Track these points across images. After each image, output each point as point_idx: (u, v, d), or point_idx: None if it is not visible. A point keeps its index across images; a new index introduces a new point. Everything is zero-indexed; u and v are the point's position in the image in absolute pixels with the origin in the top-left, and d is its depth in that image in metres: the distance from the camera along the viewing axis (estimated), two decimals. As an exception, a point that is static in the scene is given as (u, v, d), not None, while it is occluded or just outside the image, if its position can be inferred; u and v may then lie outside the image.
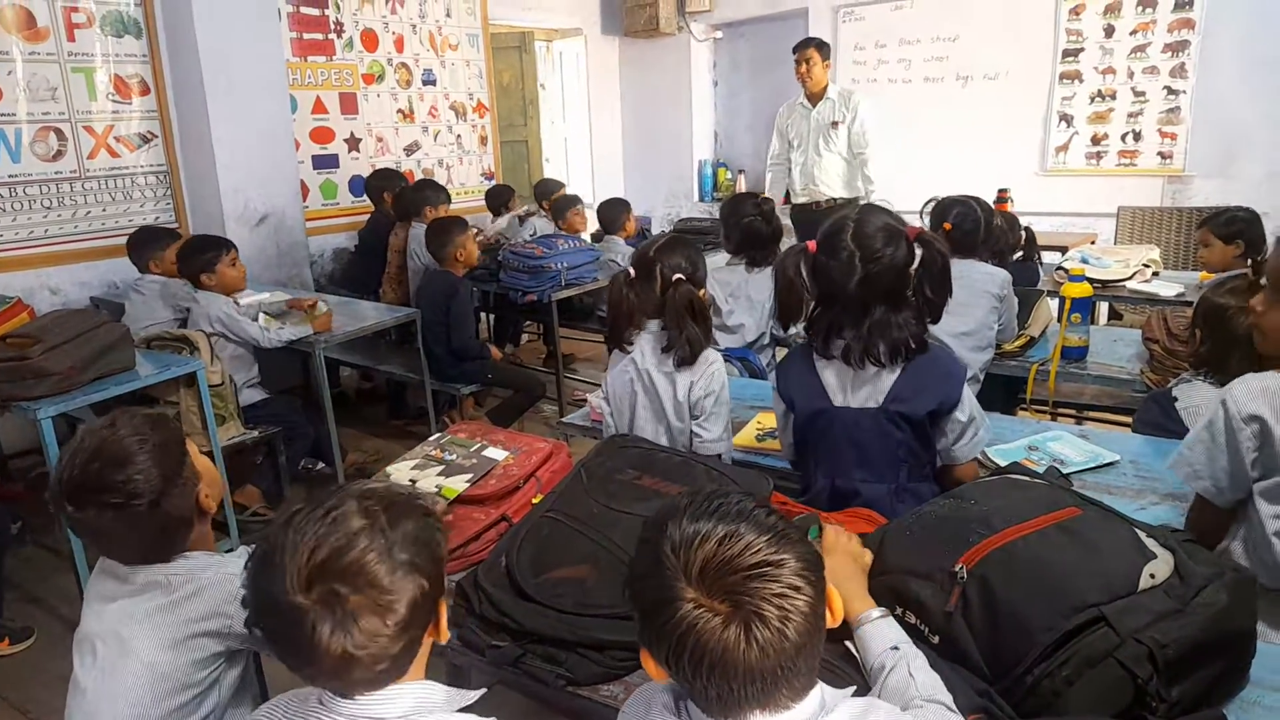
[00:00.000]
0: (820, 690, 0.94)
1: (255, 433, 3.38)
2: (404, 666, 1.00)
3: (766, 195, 4.82)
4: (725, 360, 2.29)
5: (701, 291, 2.16)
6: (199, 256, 3.51)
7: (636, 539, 0.97)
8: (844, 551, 1.37)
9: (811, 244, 1.78)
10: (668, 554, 0.90)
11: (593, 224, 5.67)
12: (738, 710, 0.90)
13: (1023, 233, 3.64)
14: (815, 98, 5.08)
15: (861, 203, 4.60)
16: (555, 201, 5.49)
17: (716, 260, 3.34)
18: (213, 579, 1.42)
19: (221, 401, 3.24)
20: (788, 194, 5.36)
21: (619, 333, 2.18)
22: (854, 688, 0.99)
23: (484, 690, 1.08)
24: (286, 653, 0.97)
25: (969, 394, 1.79)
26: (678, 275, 2.09)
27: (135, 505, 1.34)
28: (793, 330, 1.90)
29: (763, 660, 0.85)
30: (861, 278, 1.70)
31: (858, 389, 1.78)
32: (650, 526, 0.95)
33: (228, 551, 1.63)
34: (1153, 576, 1.15)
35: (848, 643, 1.25)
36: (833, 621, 0.96)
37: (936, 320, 1.79)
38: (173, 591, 1.40)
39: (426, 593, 1.00)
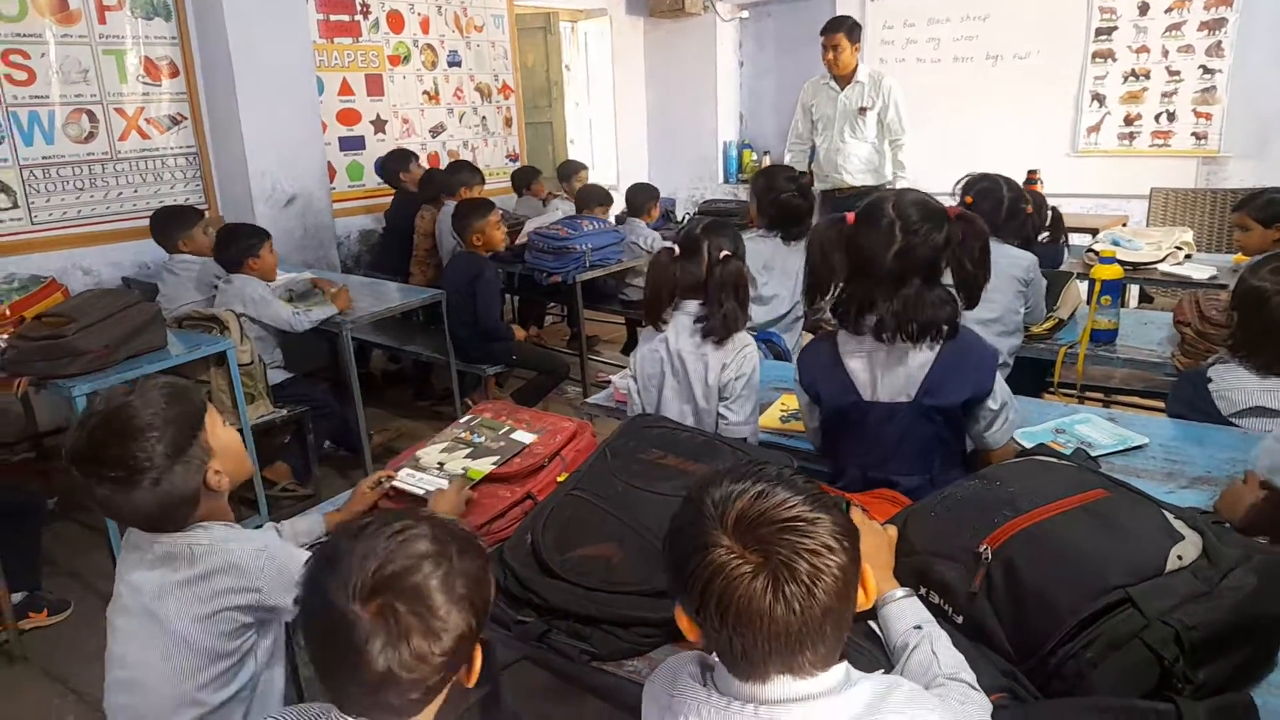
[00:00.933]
0: (846, 666, 0.95)
1: (284, 411, 3.43)
2: (432, 699, 1.01)
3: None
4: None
5: (744, 268, 2.16)
6: (245, 242, 3.59)
7: (660, 518, 0.99)
8: (870, 530, 1.37)
9: (850, 215, 1.76)
10: (708, 505, 0.92)
11: (617, 206, 5.66)
12: (763, 668, 0.91)
13: (1049, 213, 3.59)
14: (844, 80, 4.80)
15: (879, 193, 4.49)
16: (580, 191, 5.46)
17: (746, 239, 3.33)
18: (239, 552, 1.42)
19: (251, 380, 3.29)
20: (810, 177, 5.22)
21: (658, 309, 2.17)
22: (881, 670, 0.99)
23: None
24: (329, 660, 0.97)
25: (999, 379, 1.77)
26: (725, 252, 2.10)
27: (137, 480, 1.33)
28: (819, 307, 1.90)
29: (788, 614, 0.86)
30: (900, 248, 1.67)
31: (887, 381, 1.75)
32: (695, 486, 0.98)
33: (256, 528, 1.66)
34: (1180, 558, 1.14)
35: (871, 622, 1.25)
36: (865, 602, 0.97)
37: (973, 304, 1.75)
38: (196, 563, 1.40)
39: (473, 631, 1.00)
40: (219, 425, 1.49)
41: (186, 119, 4.57)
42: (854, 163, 4.86)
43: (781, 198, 3.23)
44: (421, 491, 1.77)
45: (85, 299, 2.99)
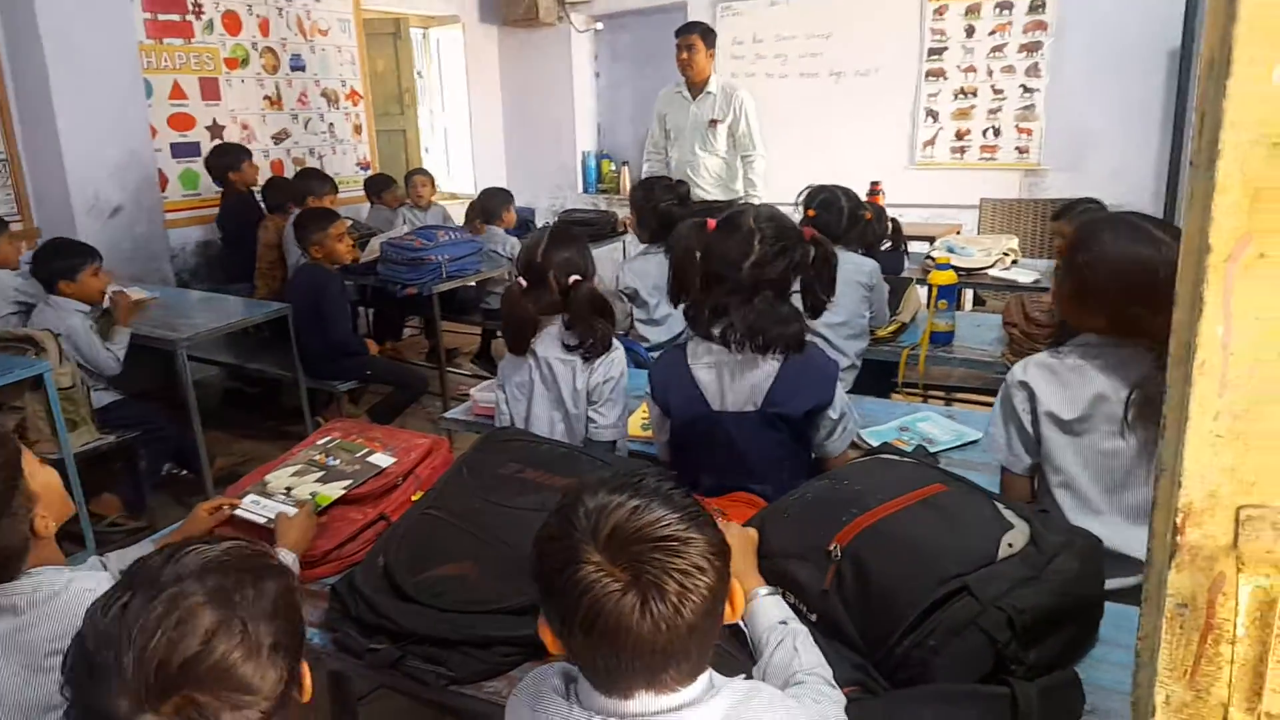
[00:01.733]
0: (709, 675, 0.95)
1: (111, 438, 3.17)
2: None
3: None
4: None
5: (593, 278, 2.16)
6: (62, 261, 3.30)
7: (520, 532, 0.97)
8: (733, 533, 1.39)
9: (711, 221, 1.80)
10: (579, 517, 0.90)
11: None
12: (625, 685, 0.90)
13: (889, 223, 3.78)
14: (696, 89, 4.69)
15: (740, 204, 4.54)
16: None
17: (607, 250, 3.31)
18: (67, 597, 1.32)
19: (73, 405, 3.03)
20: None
21: (522, 342, 2.15)
22: (743, 675, 1.00)
23: None
24: None
25: (839, 390, 1.85)
26: (574, 276, 2.08)
27: None
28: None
29: (654, 634, 0.86)
30: (757, 259, 1.74)
31: (735, 391, 1.80)
32: (566, 495, 0.96)
33: (79, 565, 1.53)
34: (1010, 546, 1.21)
35: (741, 620, 1.27)
36: (732, 616, 0.97)
37: (817, 315, 1.86)
38: (21, 614, 1.30)
39: (293, 669, 0.91)
40: (35, 465, 1.38)
41: (-7, 121, 4.18)
42: (705, 176, 4.76)
43: (660, 207, 3.24)
44: (264, 520, 1.67)
45: None
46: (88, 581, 1.37)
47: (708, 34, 4.62)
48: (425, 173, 5.77)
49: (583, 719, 0.93)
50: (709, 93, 4.67)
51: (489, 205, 5.12)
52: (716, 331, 1.78)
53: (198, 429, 3.44)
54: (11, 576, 1.31)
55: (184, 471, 3.72)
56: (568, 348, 2.11)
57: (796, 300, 1.85)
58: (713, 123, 4.67)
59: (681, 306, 1.91)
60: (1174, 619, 0.63)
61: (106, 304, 3.45)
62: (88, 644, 0.84)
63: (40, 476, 1.39)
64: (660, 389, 1.89)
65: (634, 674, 0.89)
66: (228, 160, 4.81)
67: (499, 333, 5.24)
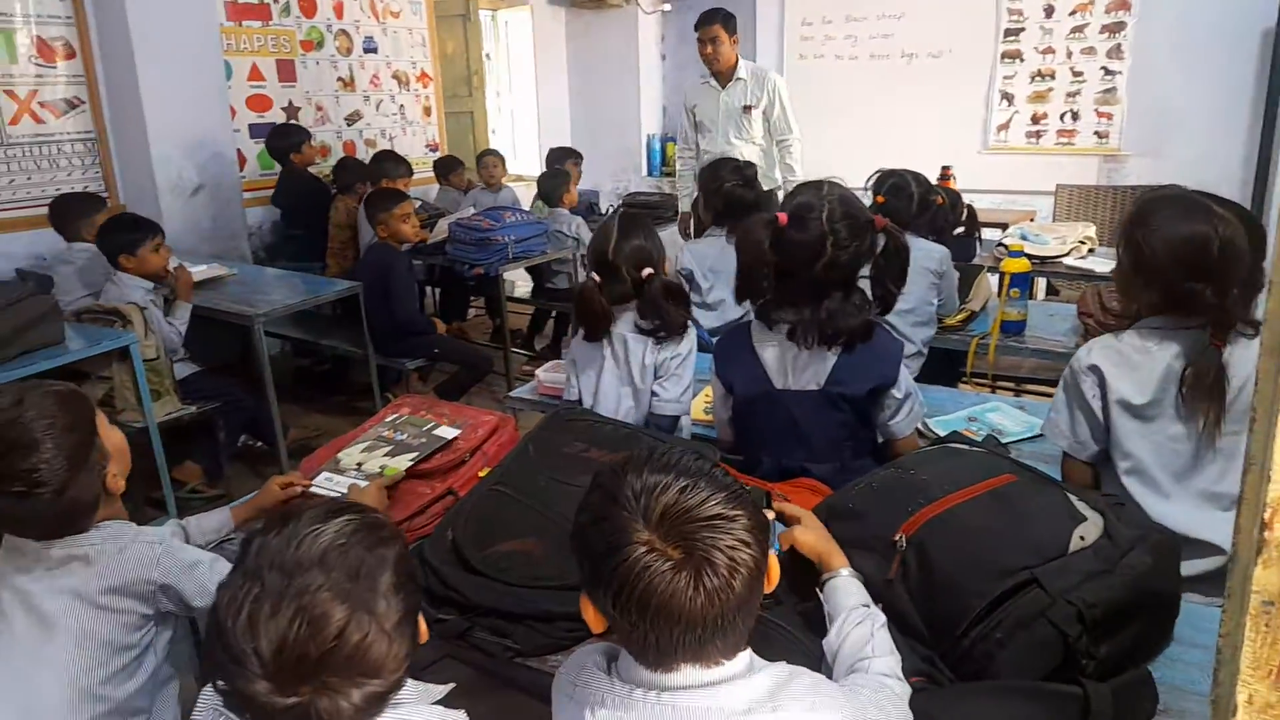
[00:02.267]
0: (749, 654, 0.97)
1: (192, 408, 3.29)
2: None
3: (682, 191, 4.62)
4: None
5: (664, 262, 2.17)
6: (123, 235, 3.33)
7: None
8: (809, 517, 1.39)
9: (783, 216, 1.77)
10: (627, 499, 0.92)
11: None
12: (671, 659, 0.92)
13: (965, 209, 3.70)
14: (724, 77, 4.45)
15: (780, 194, 4.32)
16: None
17: (669, 234, 3.29)
18: (135, 548, 1.43)
19: (157, 376, 3.15)
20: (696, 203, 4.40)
21: (596, 331, 2.17)
22: (783, 662, 1.00)
23: (451, 686, 1.08)
24: None
25: (904, 370, 1.83)
26: (646, 270, 2.09)
27: (39, 493, 1.31)
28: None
29: (706, 608, 0.88)
30: (828, 261, 1.71)
31: (798, 370, 1.80)
32: (606, 474, 0.97)
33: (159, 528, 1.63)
34: (1082, 539, 1.19)
35: (819, 589, 1.27)
36: (768, 586, 0.98)
37: (887, 311, 1.83)
38: (93, 563, 1.40)
39: (415, 629, 0.97)
40: (106, 426, 1.48)
41: (84, 103, 4.34)
42: None
43: (725, 188, 3.19)
44: (337, 496, 1.72)
45: (-28, 292, 2.82)
46: (154, 535, 1.48)
47: (728, 20, 4.40)
48: (497, 153, 5.83)
49: (623, 692, 0.95)
50: (739, 79, 4.46)
51: (548, 188, 5.11)
52: (785, 327, 1.78)
53: (272, 402, 3.54)
54: (84, 528, 1.41)
55: (259, 443, 3.85)
56: (641, 330, 2.13)
57: (864, 286, 1.83)
58: (746, 109, 4.46)
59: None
60: (1259, 616, 0.62)
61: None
62: (226, 634, 0.87)
63: (111, 437, 1.48)
64: (723, 366, 1.90)
65: (682, 649, 0.91)
66: (289, 141, 4.91)
67: (554, 313, 5.30)
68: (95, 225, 3.54)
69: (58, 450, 1.32)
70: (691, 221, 4.69)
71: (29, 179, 4.18)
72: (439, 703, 1.04)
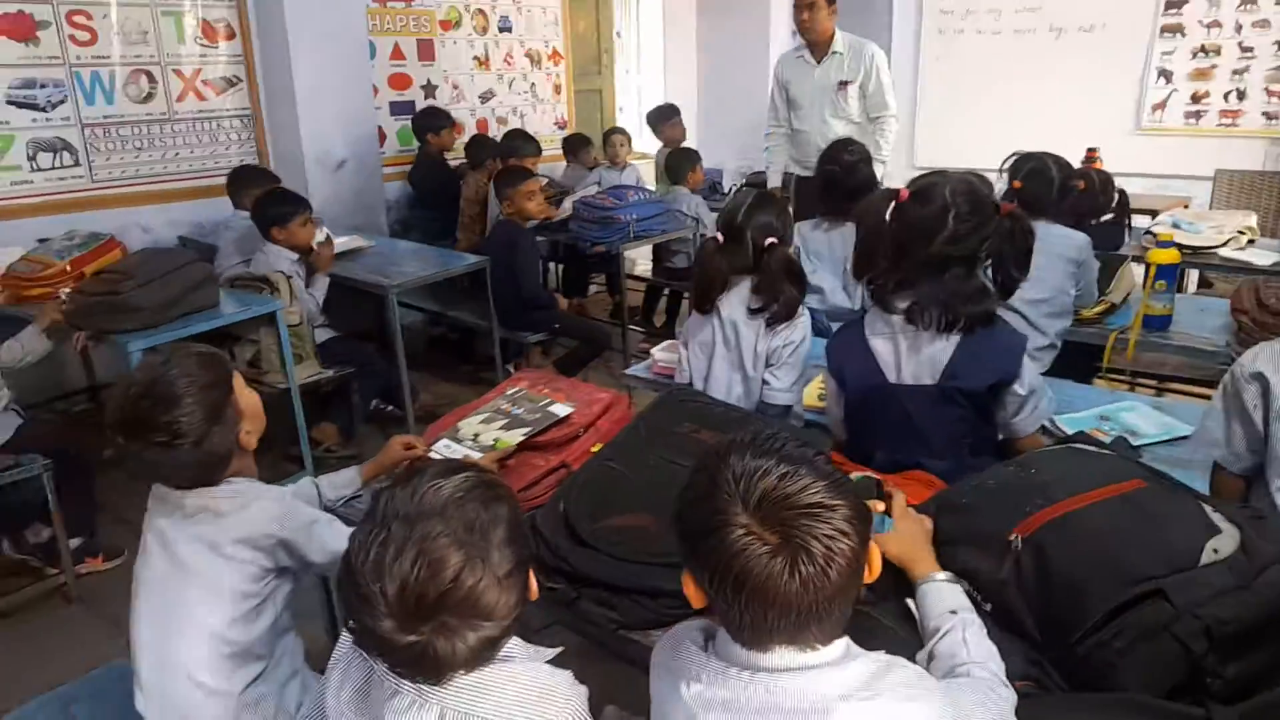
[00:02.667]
0: (846, 641, 0.97)
1: (330, 372, 3.49)
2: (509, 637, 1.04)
3: (772, 168, 4.49)
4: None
5: (789, 247, 2.16)
6: (276, 208, 3.56)
7: None
8: (911, 518, 1.38)
9: (904, 191, 1.73)
10: (728, 481, 0.93)
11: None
12: (767, 640, 0.93)
13: (1116, 194, 3.49)
14: (820, 50, 4.17)
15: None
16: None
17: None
18: (262, 503, 1.53)
19: (299, 341, 3.35)
20: (786, 182, 4.40)
21: (708, 297, 2.19)
22: (880, 652, 1.00)
23: (561, 649, 1.13)
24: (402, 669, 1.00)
25: (1029, 366, 1.74)
26: (770, 240, 2.09)
27: (179, 444, 1.42)
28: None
29: (801, 594, 0.89)
30: (949, 235, 1.66)
31: (912, 363, 1.74)
32: (709, 455, 0.99)
33: (296, 484, 1.77)
34: (1216, 551, 1.12)
35: (909, 600, 1.26)
36: (869, 576, 0.98)
37: (1008, 296, 1.76)
38: (224, 515, 1.50)
39: (525, 584, 1.03)
40: (243, 387, 1.58)
41: (242, 81, 4.64)
42: None
43: (840, 170, 3.14)
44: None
45: (142, 257, 3.08)
46: (278, 492, 1.60)
47: None
48: (623, 132, 5.87)
49: (717, 668, 0.97)
50: (835, 52, 4.17)
51: (675, 165, 5.12)
52: (902, 306, 1.73)
53: (403, 368, 3.72)
54: (216, 481, 1.53)
55: (389, 407, 4.04)
56: (752, 311, 2.12)
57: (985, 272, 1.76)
58: (842, 84, 4.17)
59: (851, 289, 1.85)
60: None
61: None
62: (356, 575, 0.96)
63: (247, 397, 1.58)
64: (836, 360, 1.87)
65: (777, 631, 0.92)
66: (433, 123, 5.13)
67: (666, 291, 5.32)
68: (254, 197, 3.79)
69: (197, 405, 1.43)
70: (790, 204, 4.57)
71: (192, 152, 4.51)
72: (549, 663, 1.09)
